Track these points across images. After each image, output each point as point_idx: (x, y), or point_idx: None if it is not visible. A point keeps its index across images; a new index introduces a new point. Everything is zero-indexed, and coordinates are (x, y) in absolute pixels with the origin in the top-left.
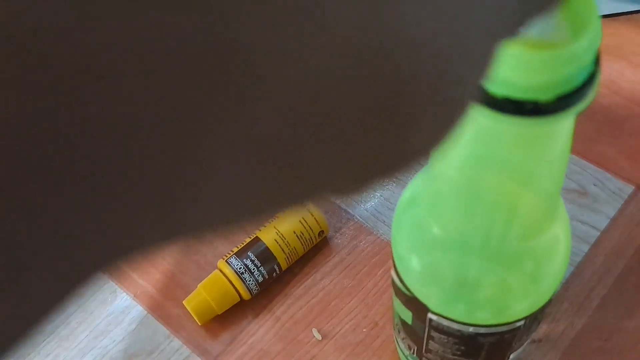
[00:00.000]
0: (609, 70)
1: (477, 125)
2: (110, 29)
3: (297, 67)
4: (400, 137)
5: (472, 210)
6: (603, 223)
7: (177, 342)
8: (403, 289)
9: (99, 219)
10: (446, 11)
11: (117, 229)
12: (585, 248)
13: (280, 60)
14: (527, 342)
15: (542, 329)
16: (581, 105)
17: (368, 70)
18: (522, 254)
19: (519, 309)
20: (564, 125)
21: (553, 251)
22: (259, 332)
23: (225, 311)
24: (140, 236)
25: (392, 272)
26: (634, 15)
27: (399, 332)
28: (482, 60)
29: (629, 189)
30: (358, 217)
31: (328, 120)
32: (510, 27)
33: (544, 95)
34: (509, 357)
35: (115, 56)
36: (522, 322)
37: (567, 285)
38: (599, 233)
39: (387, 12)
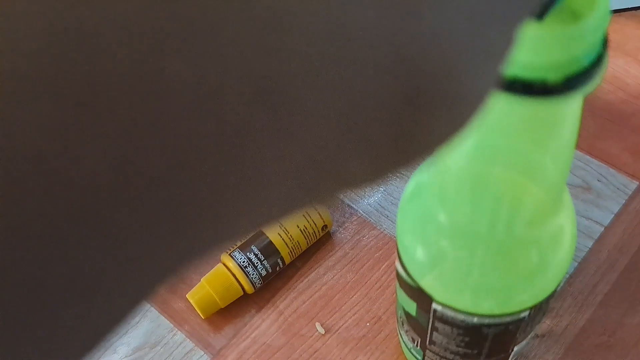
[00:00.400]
0: (614, 66)
1: (489, 111)
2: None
3: (331, 87)
4: (421, 128)
5: (479, 199)
6: (607, 219)
7: (180, 336)
8: (408, 279)
9: (166, 234)
10: (463, 5)
11: (181, 243)
12: (589, 243)
13: (315, 83)
14: (530, 334)
15: (546, 324)
16: (589, 87)
17: (393, 69)
18: (527, 243)
19: (523, 298)
20: (571, 108)
21: (558, 241)
22: (262, 326)
23: (229, 305)
24: (199, 244)
25: (397, 263)
26: (638, 11)
27: (402, 324)
28: (500, 51)
29: (633, 184)
30: (361, 211)
31: (359, 120)
32: (524, 14)
33: (553, 76)
34: (512, 350)
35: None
36: (526, 313)
37: (570, 280)
38: (602, 229)
39: (406, 10)
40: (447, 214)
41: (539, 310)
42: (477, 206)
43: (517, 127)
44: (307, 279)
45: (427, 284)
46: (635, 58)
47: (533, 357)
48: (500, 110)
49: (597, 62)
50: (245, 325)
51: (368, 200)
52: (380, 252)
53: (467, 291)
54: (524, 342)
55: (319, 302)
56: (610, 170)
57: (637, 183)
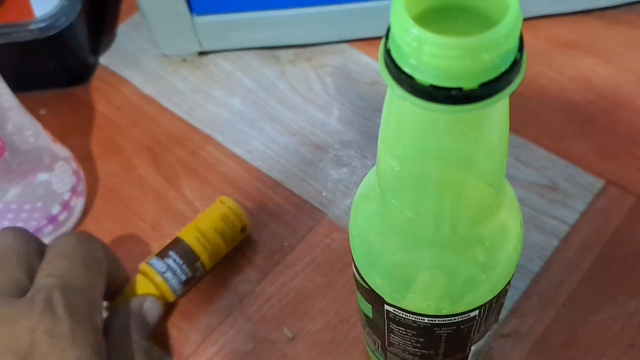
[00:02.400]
0: (580, 66)
1: (413, 116)
2: None
3: None
4: None
5: (419, 200)
6: (573, 218)
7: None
8: (361, 281)
9: None
10: None
11: None
12: (555, 242)
13: None
14: (488, 334)
15: (511, 324)
16: (506, 92)
17: None
18: (470, 242)
19: (471, 298)
20: (495, 110)
21: (502, 240)
22: (231, 331)
23: (197, 311)
24: None
25: (353, 267)
26: (606, 11)
27: (364, 327)
28: None
29: (599, 183)
30: (331, 215)
31: None
32: None
33: (468, 83)
34: (470, 349)
35: None
36: (476, 312)
37: (536, 279)
38: (568, 228)
39: None
40: (391, 216)
41: (490, 309)
42: (418, 207)
43: (444, 132)
44: (276, 284)
45: (377, 285)
46: (603, 58)
47: (498, 357)
48: (425, 117)
49: (514, 66)
50: (214, 332)
51: (338, 204)
52: (349, 255)
53: (414, 292)
54: (481, 342)
55: (288, 307)
56: (577, 170)
57: (603, 182)
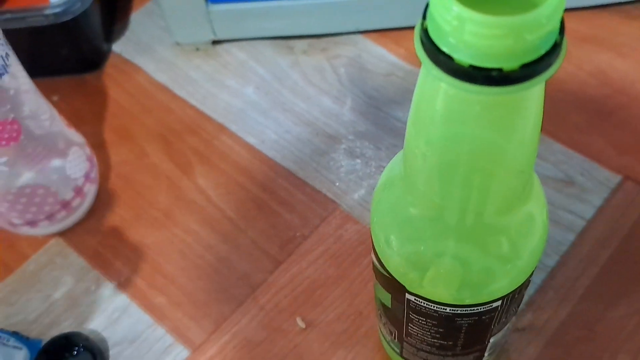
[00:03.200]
0: (598, 61)
1: (448, 99)
2: None
3: None
4: None
5: (446, 187)
6: (589, 212)
7: (160, 331)
8: (381, 270)
9: None
10: None
11: None
12: (572, 237)
13: None
14: (507, 326)
15: (527, 318)
16: (546, 75)
17: None
18: (496, 232)
19: (494, 288)
20: (531, 95)
21: (528, 230)
22: (243, 320)
23: (209, 300)
24: None
25: (372, 255)
26: (624, 6)
27: (380, 317)
28: None
29: (617, 178)
30: (345, 206)
31: None
32: None
33: (509, 63)
34: (488, 341)
35: None
36: (498, 303)
37: (552, 274)
38: (585, 222)
39: None
40: (416, 203)
41: (512, 300)
42: (445, 195)
43: (479, 116)
44: (289, 274)
45: (399, 274)
46: (620, 53)
47: (514, 351)
48: (461, 99)
49: (555, 48)
50: (226, 320)
51: (351, 195)
52: (362, 246)
53: (438, 281)
54: (500, 334)
55: (301, 297)
56: (593, 165)
57: (620, 177)
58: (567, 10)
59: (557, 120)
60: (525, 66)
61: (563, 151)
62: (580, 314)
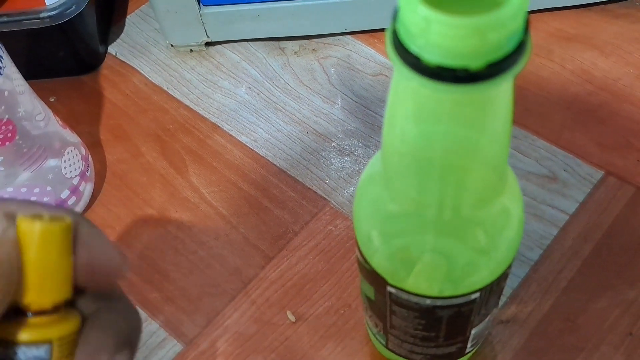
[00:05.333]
0: (581, 59)
1: (419, 98)
2: None
3: None
4: None
5: (422, 182)
6: (572, 207)
7: (154, 325)
8: (364, 263)
9: None
10: None
11: None
12: (554, 231)
13: None
14: (488, 318)
15: (510, 310)
16: (512, 72)
17: None
18: (473, 225)
19: (472, 280)
20: (500, 92)
21: (504, 223)
22: (234, 315)
23: (201, 294)
24: None
25: (356, 249)
26: (607, 5)
27: (366, 310)
28: None
29: (599, 174)
30: (334, 202)
31: None
32: None
33: (475, 62)
34: (470, 332)
35: None
36: (477, 295)
37: (535, 267)
38: (568, 217)
39: None
40: (395, 199)
41: (492, 292)
42: (422, 189)
43: (450, 113)
44: (279, 269)
45: (380, 266)
46: (603, 51)
47: (497, 343)
48: (432, 98)
49: (520, 47)
50: (218, 315)
51: (341, 192)
52: (351, 242)
53: (416, 274)
54: (481, 325)
55: (291, 291)
56: (576, 161)
57: (603, 173)
58: (551, 9)
59: (540, 118)
60: (491, 65)
61: (546, 147)
62: (563, 306)
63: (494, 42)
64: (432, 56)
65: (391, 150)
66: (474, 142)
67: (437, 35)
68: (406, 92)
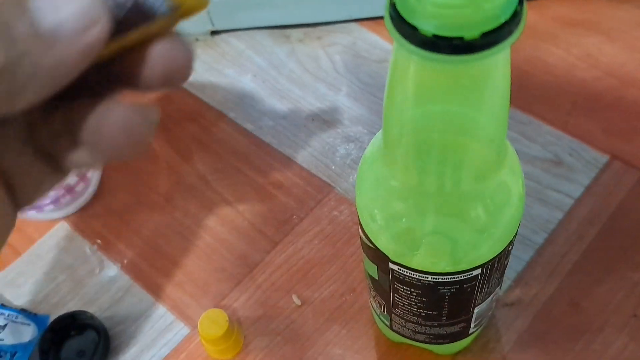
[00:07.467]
0: (588, 45)
1: (418, 71)
2: None
3: None
4: None
5: (422, 157)
6: (577, 192)
7: (162, 309)
8: (367, 241)
9: None
10: None
11: None
12: (560, 215)
13: None
14: (490, 297)
15: (515, 293)
16: (507, 42)
17: None
18: (472, 201)
19: (474, 256)
20: (495, 63)
21: (504, 200)
22: (241, 298)
23: (208, 279)
24: None
25: (359, 228)
26: None
27: (370, 291)
28: None
29: (604, 158)
30: (339, 189)
31: None
32: None
33: (470, 32)
34: (472, 311)
35: None
36: (479, 271)
37: (540, 251)
38: (573, 201)
39: None
40: (396, 176)
41: (493, 269)
42: (422, 164)
43: (447, 86)
44: (285, 254)
45: (382, 244)
46: (609, 37)
47: (502, 325)
48: (430, 70)
49: (515, 17)
50: (224, 299)
51: (346, 178)
52: (356, 227)
53: (419, 249)
54: (484, 305)
55: (296, 276)
56: (582, 145)
57: (608, 157)
58: None
59: (545, 103)
60: (485, 34)
61: (552, 132)
62: (567, 289)
63: (488, 11)
64: (428, 27)
65: (392, 126)
66: (471, 116)
67: (433, 6)
68: (404, 66)
